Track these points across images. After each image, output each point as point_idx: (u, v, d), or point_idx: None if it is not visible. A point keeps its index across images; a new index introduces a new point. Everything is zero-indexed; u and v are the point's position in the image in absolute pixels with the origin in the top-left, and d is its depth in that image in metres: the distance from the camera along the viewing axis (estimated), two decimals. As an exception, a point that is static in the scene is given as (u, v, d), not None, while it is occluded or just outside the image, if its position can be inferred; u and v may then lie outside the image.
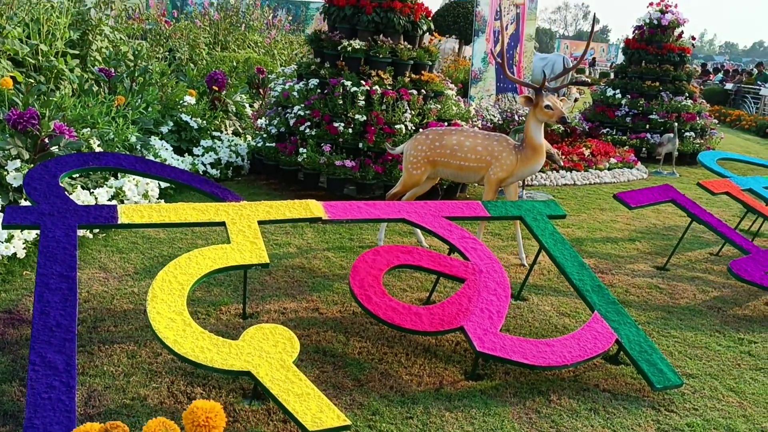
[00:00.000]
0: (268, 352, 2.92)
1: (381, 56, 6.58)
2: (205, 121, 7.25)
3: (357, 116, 6.37)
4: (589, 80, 26.02)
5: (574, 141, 10.23)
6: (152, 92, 6.88)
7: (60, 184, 3.60)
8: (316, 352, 3.49)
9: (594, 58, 41.30)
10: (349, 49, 6.58)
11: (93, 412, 2.80)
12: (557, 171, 8.73)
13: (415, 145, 5.06)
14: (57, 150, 4.71)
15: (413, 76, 6.83)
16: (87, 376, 3.06)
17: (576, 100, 17.08)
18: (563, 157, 9.21)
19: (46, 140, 4.59)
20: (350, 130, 6.39)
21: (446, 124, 6.77)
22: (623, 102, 11.58)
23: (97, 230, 4.84)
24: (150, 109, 6.59)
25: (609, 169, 9.39)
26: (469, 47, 15.33)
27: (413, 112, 6.54)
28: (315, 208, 3.85)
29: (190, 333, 2.91)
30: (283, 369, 2.85)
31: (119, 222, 3.43)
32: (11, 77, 6.72)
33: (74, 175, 4.96)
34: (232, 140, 7.35)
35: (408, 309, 3.39)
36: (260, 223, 3.69)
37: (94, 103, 5.66)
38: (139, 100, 6.58)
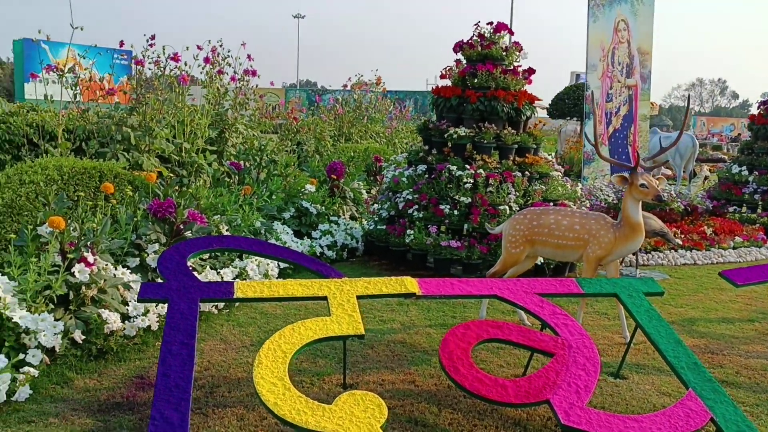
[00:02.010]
0: (358, 416, 3.15)
1: (485, 141, 6.90)
2: (323, 207, 7.82)
3: (462, 198, 6.66)
4: (725, 157, 24.92)
5: (695, 219, 9.92)
6: (276, 182, 7.58)
7: (188, 263, 4.12)
8: (408, 421, 3.68)
9: (738, 134, 39.54)
10: (455, 136, 6.96)
11: (203, 466, 3.13)
12: (675, 250, 8.50)
13: (514, 224, 5.24)
14: (190, 234, 5.33)
15: (518, 159, 7.07)
16: (201, 434, 3.43)
17: (706, 178, 16.48)
18: (682, 236, 8.96)
19: (181, 226, 5.22)
20: (456, 212, 6.68)
21: (551, 204, 6.89)
22: (750, 179, 11.12)
23: (222, 306, 5.35)
24: (274, 197, 7.25)
25: (734, 248, 8.99)
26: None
27: (518, 194, 6.74)
28: (410, 284, 4.12)
29: (288, 397, 3.22)
30: (371, 433, 3.07)
31: (234, 296, 3.87)
32: (158, 172, 7.66)
33: (203, 256, 5.56)
34: (348, 224, 7.85)
35: (494, 381, 3.52)
36: (359, 297, 4.00)
37: (225, 193, 6.34)
38: (264, 190, 7.26)
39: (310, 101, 21.75)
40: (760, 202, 10.83)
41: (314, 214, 7.53)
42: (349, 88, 15.08)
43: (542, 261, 6.70)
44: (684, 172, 15.52)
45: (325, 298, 3.95)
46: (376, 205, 7.88)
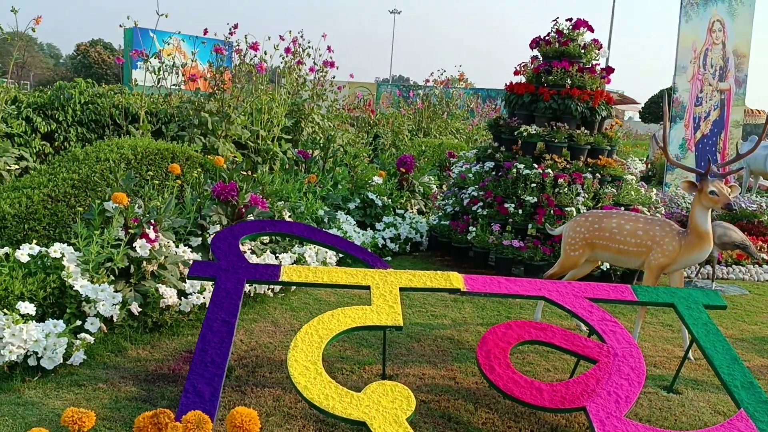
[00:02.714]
0: (385, 407, 3.15)
1: (557, 141, 6.73)
2: (390, 200, 7.84)
3: (528, 198, 6.52)
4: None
5: (787, 234, 9.31)
6: (343, 172, 7.65)
7: (240, 245, 4.23)
8: (442, 417, 3.64)
9: None
10: (525, 134, 6.81)
11: (232, 441, 3.21)
12: (760, 265, 8.01)
13: (574, 226, 5.09)
14: (252, 218, 5.47)
15: (590, 160, 6.85)
16: (235, 411, 3.51)
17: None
18: (767, 250, 8.44)
19: (243, 209, 5.36)
20: (520, 212, 6.54)
21: (622, 208, 6.64)
22: None
23: (278, 290, 5.47)
24: (340, 186, 7.33)
25: (828, 265, 8.38)
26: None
27: (586, 196, 6.54)
28: (455, 279, 4.07)
29: (319, 381, 3.25)
30: (396, 424, 3.06)
31: (280, 279, 3.94)
32: (233, 157, 7.90)
33: (264, 240, 5.69)
34: (414, 218, 7.84)
35: (530, 383, 3.43)
36: (402, 290, 3.99)
37: (290, 180, 6.47)
38: (329, 179, 7.34)
39: (404, 97, 21.85)
40: None
41: (379, 206, 7.56)
42: (431, 83, 15.04)
43: (608, 267, 6.48)
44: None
45: (368, 288, 3.97)
46: (441, 201, 7.83)
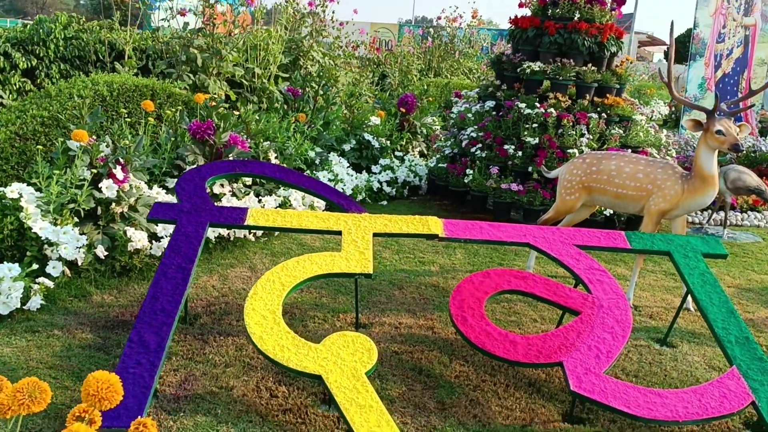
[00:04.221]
0: (344, 359, 2.94)
1: (561, 78, 6.32)
2: (389, 141, 7.52)
3: (529, 139, 6.17)
4: None
5: (809, 179, 8.85)
6: (336, 112, 7.31)
7: (206, 186, 3.98)
8: (413, 369, 3.43)
9: None
10: (528, 71, 6.41)
11: (182, 394, 3.03)
12: (776, 211, 7.63)
13: (571, 169, 4.77)
14: (232, 158, 5.21)
15: (596, 99, 6.44)
16: (192, 361, 3.33)
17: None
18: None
19: (222, 149, 5.10)
20: (520, 153, 6.20)
21: (629, 150, 6.27)
22: None
23: (260, 234, 5.25)
24: (334, 127, 7.01)
25: None
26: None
27: (591, 137, 6.17)
28: (434, 224, 3.80)
29: (276, 331, 3.04)
30: (353, 378, 2.85)
31: (245, 223, 3.70)
32: (226, 95, 7.60)
33: (246, 182, 5.44)
34: (414, 160, 7.53)
35: (504, 336, 3.19)
36: (376, 235, 3.74)
37: (276, 118, 6.17)
38: (320, 118, 7.01)
39: (424, 37, 21.12)
40: None
41: (376, 148, 7.25)
42: (442, 20, 14.43)
43: (611, 212, 6.16)
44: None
45: (340, 233, 3.72)
46: (441, 142, 7.49)
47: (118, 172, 4.34)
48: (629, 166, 4.55)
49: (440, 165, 6.92)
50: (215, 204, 3.85)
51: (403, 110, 8.05)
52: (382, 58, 11.69)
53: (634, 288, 4.62)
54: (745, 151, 7.97)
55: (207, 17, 7.44)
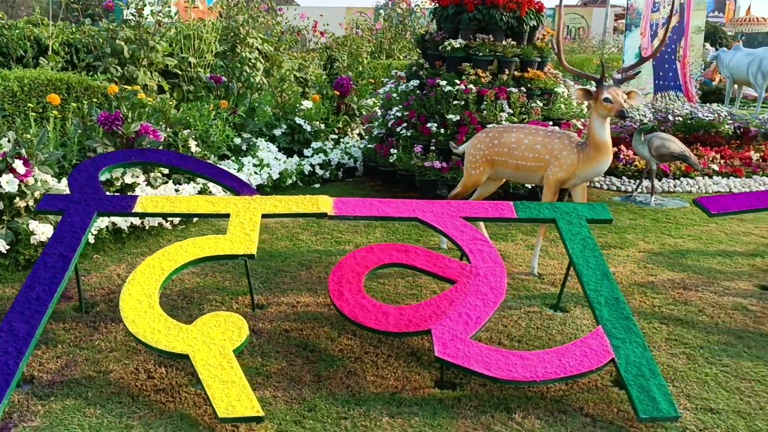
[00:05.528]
0: (213, 338, 3.00)
1: (481, 54, 6.37)
2: (323, 124, 7.55)
3: (451, 116, 6.23)
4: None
5: (746, 143, 9.00)
6: (264, 97, 7.33)
7: (99, 176, 4.01)
8: (298, 346, 3.50)
9: None
10: (449, 48, 6.45)
11: (58, 380, 3.08)
12: (709, 176, 7.75)
13: (475, 143, 4.84)
14: (147, 147, 5.23)
15: (516, 74, 6.51)
16: (77, 348, 3.38)
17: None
18: (721, 161, 8.15)
19: (133, 139, 5.12)
20: (443, 131, 6.27)
21: (551, 123, 6.34)
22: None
23: (177, 221, 5.29)
24: (260, 112, 7.02)
25: (782, 176, 8.11)
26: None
27: (513, 112, 6.24)
28: (323, 203, 3.86)
29: (149, 315, 3.10)
30: (220, 356, 2.92)
31: (134, 211, 3.74)
32: (158, 87, 7.58)
33: (162, 171, 5.47)
34: (348, 143, 7.57)
35: (378, 308, 3.27)
36: (265, 216, 3.79)
37: (197, 106, 6.18)
38: (246, 103, 7.01)
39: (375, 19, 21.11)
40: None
41: (309, 132, 7.28)
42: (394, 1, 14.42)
43: (513, 186, 6.21)
44: (766, 92, 14.15)
45: (228, 216, 3.77)
46: (371, 124, 7.54)
47: (19, 167, 4.36)
48: (528, 137, 4.63)
49: (369, 146, 6.97)
50: (109, 194, 3.89)
51: (338, 93, 8.07)
52: (327, 42, 11.67)
53: (538, 257, 4.72)
54: (631, 117, 8.05)
55: (137, 9, 7.41)
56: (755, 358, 3.51)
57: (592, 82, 4.41)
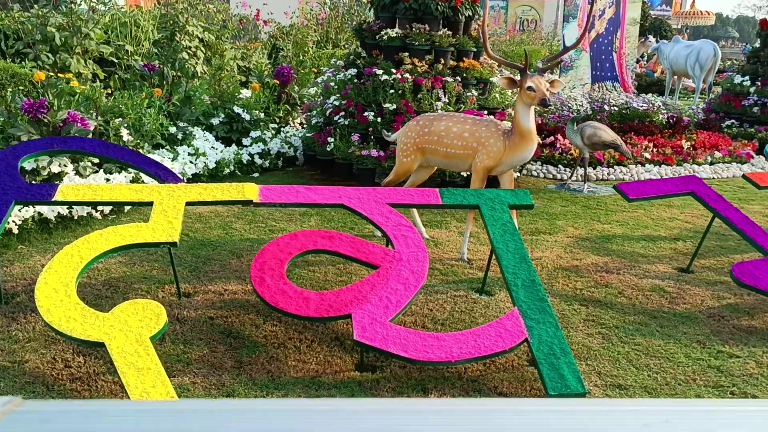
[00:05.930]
0: (131, 326, 2.98)
1: (417, 43, 6.43)
2: (263, 113, 7.51)
3: (387, 105, 6.27)
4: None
5: (678, 132, 9.29)
6: (201, 86, 7.26)
7: (19, 165, 3.93)
8: (222, 332, 3.51)
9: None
10: (386, 37, 6.49)
11: (-29, 370, 3.03)
12: (642, 165, 7.99)
13: (406, 131, 4.89)
14: (74, 136, 5.13)
15: (452, 63, 6.59)
16: (-7, 339, 3.33)
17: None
18: (654, 150, 8.40)
19: (60, 128, 5.02)
20: (380, 120, 6.31)
21: (485, 113, 6.44)
22: (752, 90, 10.31)
23: (107, 211, 5.21)
24: (196, 101, 6.95)
25: (711, 164, 8.41)
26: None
27: (448, 101, 6.31)
28: (249, 191, 3.86)
29: (65, 303, 3.06)
30: (137, 343, 2.90)
31: (54, 199, 3.68)
32: (93, 74, 7.42)
33: (92, 160, 5.38)
34: (288, 132, 7.55)
35: (299, 294, 3.30)
36: (190, 203, 3.78)
37: (130, 95, 6.10)
38: (181, 92, 6.94)
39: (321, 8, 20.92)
40: (759, 116, 10.06)
41: (248, 121, 7.23)
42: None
43: (449, 174, 6.30)
44: (704, 83, 14.62)
45: (152, 204, 3.74)
46: (310, 113, 7.54)
47: (-64, 156, 4.24)
48: (457, 126, 4.70)
49: (307, 135, 6.98)
50: (30, 182, 3.82)
51: (279, 82, 8.04)
52: (272, 31, 11.59)
53: (468, 243, 4.81)
54: (552, 106, 8.23)
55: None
56: (666, 337, 3.66)
57: (517, 71, 4.50)
